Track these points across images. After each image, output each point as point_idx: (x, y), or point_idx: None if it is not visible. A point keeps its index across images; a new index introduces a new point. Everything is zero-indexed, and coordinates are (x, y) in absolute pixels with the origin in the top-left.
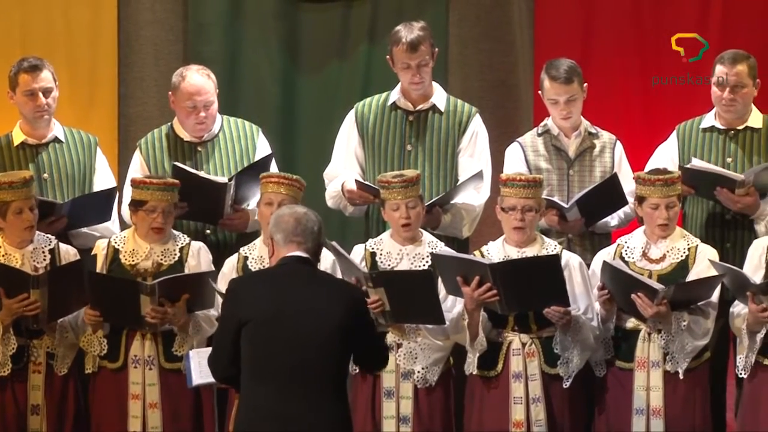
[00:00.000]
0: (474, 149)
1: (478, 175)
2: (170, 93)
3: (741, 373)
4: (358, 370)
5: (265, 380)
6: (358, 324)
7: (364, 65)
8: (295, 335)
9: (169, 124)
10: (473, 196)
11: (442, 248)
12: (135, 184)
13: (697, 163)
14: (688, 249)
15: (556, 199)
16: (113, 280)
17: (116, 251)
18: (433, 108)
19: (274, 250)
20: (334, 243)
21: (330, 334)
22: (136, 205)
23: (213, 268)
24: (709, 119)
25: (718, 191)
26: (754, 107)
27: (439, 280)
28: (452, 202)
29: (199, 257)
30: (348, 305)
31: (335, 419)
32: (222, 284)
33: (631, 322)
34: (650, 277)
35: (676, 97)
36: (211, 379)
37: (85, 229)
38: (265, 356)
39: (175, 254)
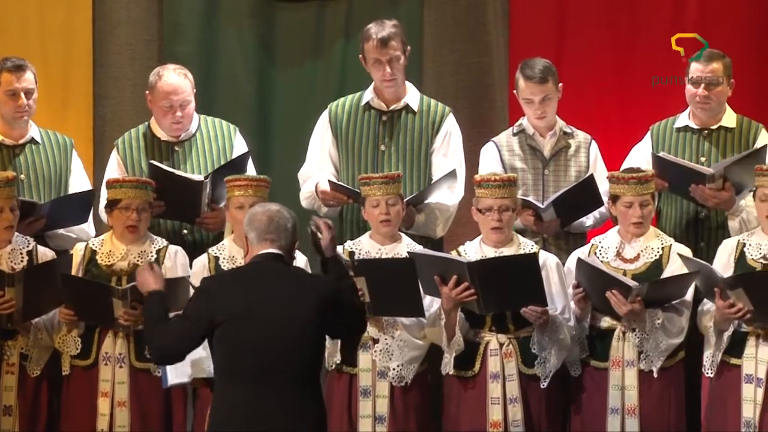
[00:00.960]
0: (447, 149)
1: (452, 174)
2: (147, 92)
3: (707, 372)
4: (333, 367)
5: (238, 379)
6: (333, 314)
7: (339, 64)
8: (267, 333)
9: (146, 123)
10: (447, 196)
11: (419, 247)
12: (109, 184)
13: (666, 156)
14: (662, 248)
15: (531, 199)
16: (85, 282)
17: (93, 252)
18: (407, 108)
19: (248, 249)
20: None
21: (302, 331)
22: (111, 204)
23: (189, 273)
24: (683, 119)
25: (693, 188)
26: (728, 107)
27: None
28: (426, 201)
29: (175, 260)
30: (321, 300)
31: (309, 417)
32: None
33: (605, 322)
34: (625, 276)
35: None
36: (186, 379)
37: (61, 231)
38: (238, 355)
39: (152, 256)
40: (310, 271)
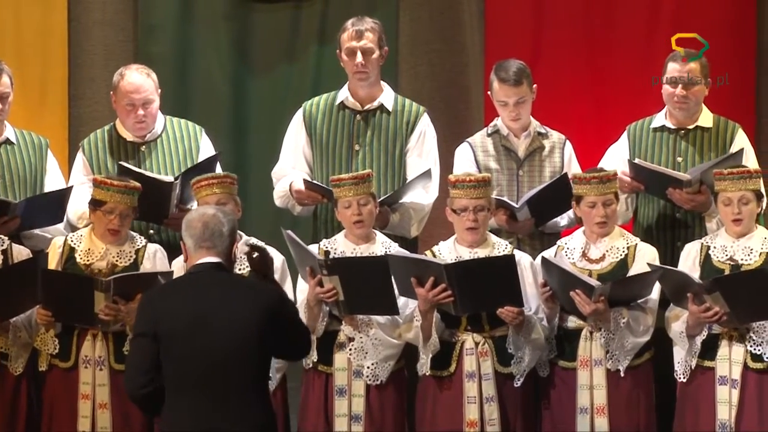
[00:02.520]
0: (422, 149)
1: (426, 174)
2: (111, 92)
3: (681, 378)
4: (311, 365)
5: (184, 392)
6: (276, 324)
7: (314, 66)
8: (210, 345)
9: (111, 124)
10: (422, 196)
11: (396, 249)
12: (96, 183)
13: (642, 163)
14: (628, 248)
15: (505, 198)
16: (68, 276)
17: (72, 249)
18: (381, 107)
19: (187, 256)
20: (289, 231)
21: (245, 341)
22: (95, 204)
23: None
24: (660, 119)
25: (671, 192)
26: (704, 107)
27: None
28: (400, 201)
29: (154, 260)
30: (263, 308)
31: (255, 423)
32: None
33: (573, 322)
34: (590, 276)
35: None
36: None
37: (37, 231)
38: (183, 368)
39: (131, 256)
40: (288, 270)
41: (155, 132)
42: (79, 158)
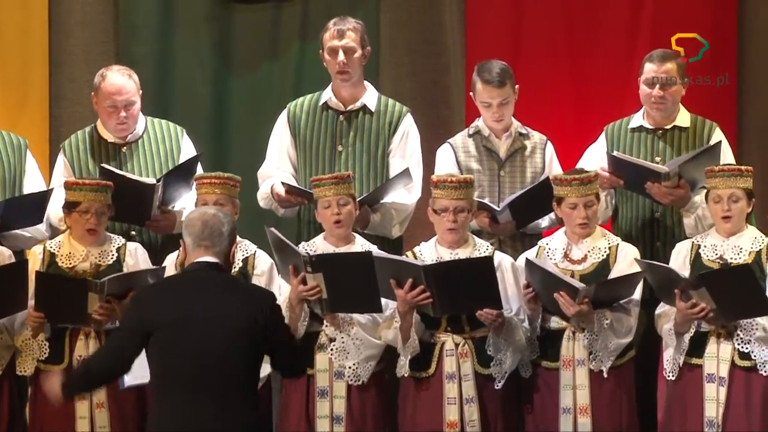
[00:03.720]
0: (405, 149)
1: (406, 173)
2: (93, 94)
3: (669, 375)
4: None
5: (173, 388)
6: (268, 328)
7: (295, 66)
8: (201, 343)
9: (92, 125)
10: (404, 196)
11: (375, 251)
12: (68, 185)
13: (621, 155)
14: (609, 248)
15: (487, 201)
16: (62, 278)
17: (52, 255)
18: (364, 108)
19: (186, 254)
20: (272, 229)
21: (237, 341)
22: (69, 206)
23: (150, 266)
24: (638, 119)
25: (649, 186)
26: (681, 107)
27: None
28: (382, 201)
29: (136, 257)
30: (256, 310)
31: (243, 425)
32: None
33: (555, 323)
34: (573, 277)
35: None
36: (143, 380)
37: (16, 231)
38: (173, 365)
39: (113, 255)
40: (276, 272)
41: (137, 133)
42: (60, 160)
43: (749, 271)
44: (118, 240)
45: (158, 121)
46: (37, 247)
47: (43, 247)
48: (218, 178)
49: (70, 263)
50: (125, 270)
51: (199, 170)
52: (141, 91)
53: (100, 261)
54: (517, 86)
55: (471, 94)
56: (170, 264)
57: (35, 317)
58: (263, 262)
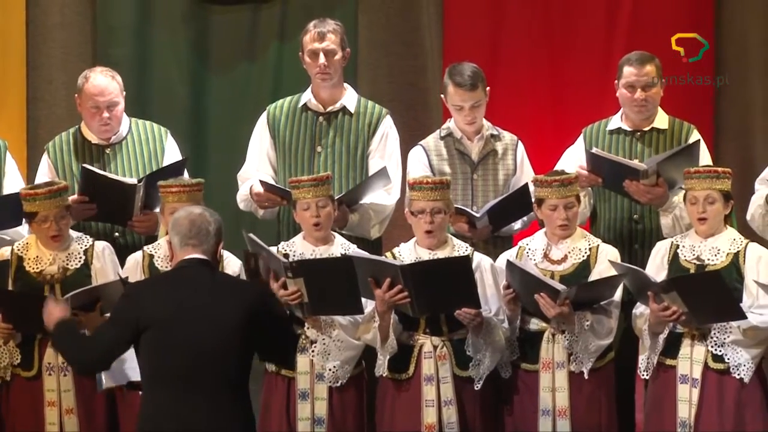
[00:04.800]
0: (384, 151)
1: (384, 172)
2: (76, 95)
3: (643, 375)
4: (273, 369)
5: (164, 385)
6: (259, 322)
7: (273, 67)
8: (192, 340)
9: (76, 126)
10: (383, 197)
11: (355, 250)
12: (23, 197)
13: (600, 152)
14: (590, 249)
15: (460, 204)
16: (24, 296)
17: (20, 258)
18: (344, 109)
19: (173, 253)
20: (250, 234)
21: (228, 338)
22: (28, 217)
23: (119, 267)
24: (616, 121)
25: (627, 184)
26: (660, 108)
27: None
28: (361, 202)
29: (103, 258)
30: (246, 305)
31: (235, 422)
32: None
33: (535, 324)
34: (552, 278)
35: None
36: (121, 382)
37: None
38: (164, 362)
39: (80, 257)
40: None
41: (120, 134)
42: (44, 161)
43: (719, 276)
44: (86, 240)
45: (142, 123)
46: (6, 249)
47: (11, 249)
48: (184, 186)
49: (38, 267)
50: (93, 273)
51: (186, 175)
52: (125, 92)
53: (67, 264)
54: (488, 88)
55: (442, 96)
56: (132, 263)
57: (3, 328)
58: (232, 263)
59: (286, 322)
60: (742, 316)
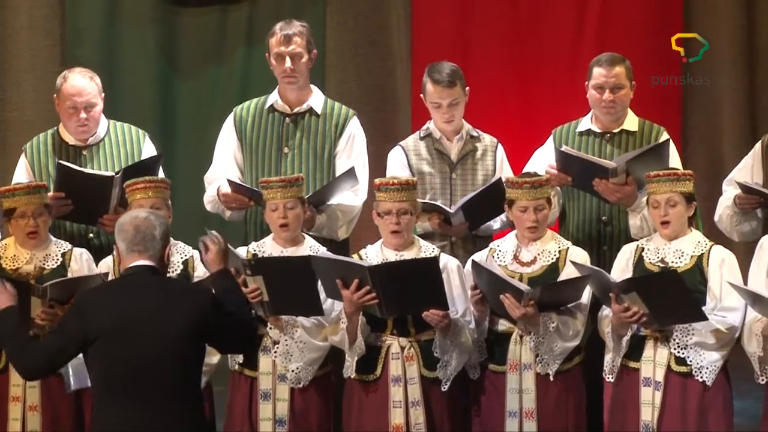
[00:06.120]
0: (351, 152)
1: (350, 173)
2: (54, 96)
3: (608, 377)
4: (237, 367)
5: (115, 394)
6: (210, 323)
7: (241, 68)
8: (141, 347)
9: (55, 128)
10: (350, 197)
11: (324, 252)
12: (2, 194)
13: (569, 150)
14: (559, 252)
15: (440, 203)
16: (4, 279)
17: None
18: (310, 110)
19: (120, 259)
20: (213, 232)
21: (177, 344)
22: (7, 214)
23: (96, 272)
24: (586, 122)
25: (597, 182)
26: (629, 110)
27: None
28: (328, 203)
29: (81, 262)
30: (195, 312)
31: (187, 429)
32: None
33: (503, 325)
34: (521, 279)
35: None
36: (88, 383)
37: None
38: (114, 370)
39: (57, 259)
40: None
41: (98, 136)
42: (22, 162)
43: (677, 276)
44: (65, 245)
45: (120, 125)
46: None
47: None
48: (151, 181)
49: (14, 265)
50: (69, 275)
51: (161, 171)
52: (103, 94)
53: (44, 264)
54: (467, 88)
55: (421, 95)
56: (103, 267)
57: None
58: (198, 267)
59: (242, 314)
60: (703, 317)
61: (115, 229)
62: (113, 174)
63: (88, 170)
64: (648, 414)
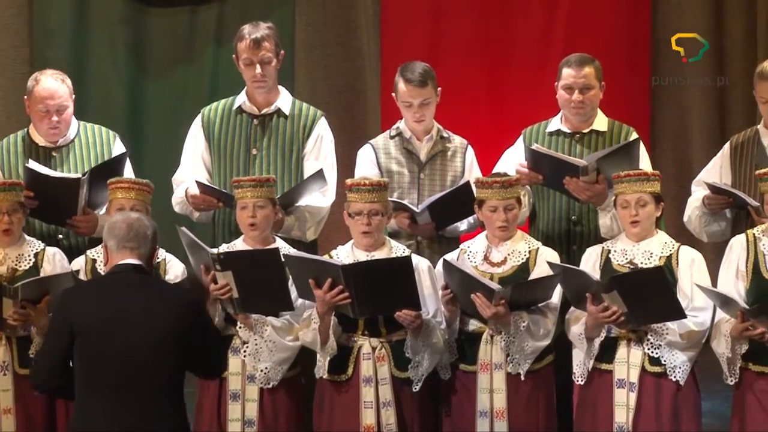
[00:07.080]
0: (319, 153)
1: (319, 175)
2: (25, 97)
3: (578, 380)
4: None
5: (97, 392)
6: (191, 329)
7: (210, 69)
8: (125, 346)
9: (25, 129)
10: (318, 199)
11: (294, 251)
12: None
13: (540, 148)
14: (529, 252)
15: (406, 202)
16: None
17: None
18: (278, 112)
19: (108, 257)
20: (183, 228)
21: (160, 343)
22: None
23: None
24: (555, 123)
25: (567, 181)
26: (599, 110)
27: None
28: (297, 204)
29: (54, 262)
30: (179, 311)
31: (168, 428)
32: None
33: (474, 325)
34: (492, 280)
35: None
36: None
37: None
38: (97, 368)
39: (30, 259)
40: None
41: (68, 137)
42: None
43: (661, 272)
44: (38, 245)
45: (90, 126)
46: None
47: None
48: (134, 182)
49: None
50: (42, 275)
51: (129, 169)
52: (74, 96)
53: (17, 265)
54: (439, 89)
55: (393, 94)
56: (75, 267)
57: None
58: (175, 267)
59: (215, 341)
60: (682, 314)
61: (105, 229)
62: (80, 176)
63: (55, 173)
64: (622, 416)
